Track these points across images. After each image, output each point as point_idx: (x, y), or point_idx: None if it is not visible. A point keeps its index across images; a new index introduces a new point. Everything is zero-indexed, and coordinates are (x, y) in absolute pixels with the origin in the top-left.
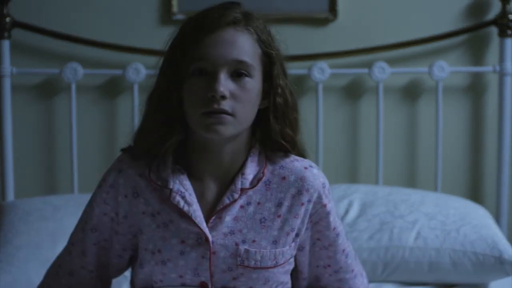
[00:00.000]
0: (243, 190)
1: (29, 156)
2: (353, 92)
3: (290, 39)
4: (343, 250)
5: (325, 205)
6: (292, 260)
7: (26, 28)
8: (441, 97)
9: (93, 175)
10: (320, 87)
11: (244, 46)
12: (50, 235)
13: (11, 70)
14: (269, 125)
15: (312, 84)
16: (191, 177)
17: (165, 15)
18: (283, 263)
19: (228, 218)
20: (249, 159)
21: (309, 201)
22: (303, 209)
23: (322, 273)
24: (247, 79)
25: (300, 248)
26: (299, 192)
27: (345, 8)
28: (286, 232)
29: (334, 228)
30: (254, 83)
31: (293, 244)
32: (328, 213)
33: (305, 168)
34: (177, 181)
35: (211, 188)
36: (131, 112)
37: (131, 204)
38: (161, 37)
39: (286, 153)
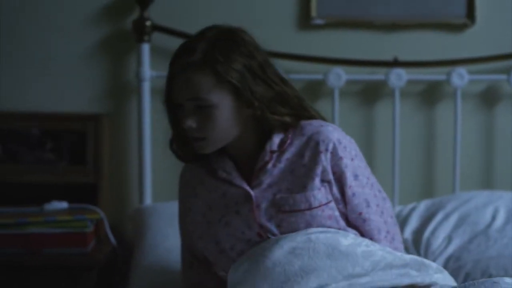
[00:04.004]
0: (272, 152)
1: (166, 158)
2: (490, 98)
3: (427, 45)
4: (360, 213)
5: (341, 158)
6: (332, 205)
7: (166, 31)
8: None
9: None
10: (459, 93)
11: (198, 85)
12: None
13: (150, 74)
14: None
15: (449, 90)
16: (232, 156)
17: (304, 20)
18: (318, 206)
19: (264, 176)
20: (275, 130)
21: (326, 149)
22: (322, 156)
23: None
24: (209, 109)
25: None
26: (316, 143)
27: (483, 14)
28: (311, 178)
29: (350, 186)
30: (219, 110)
31: (322, 188)
32: (345, 167)
33: (321, 125)
34: (220, 161)
35: (246, 162)
36: None
37: (199, 190)
38: (300, 42)
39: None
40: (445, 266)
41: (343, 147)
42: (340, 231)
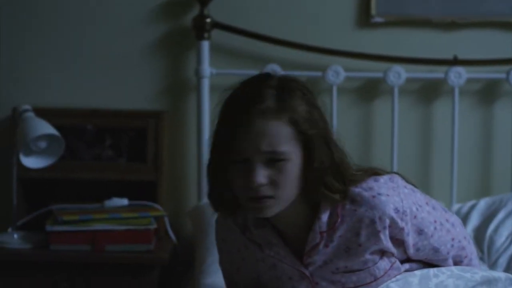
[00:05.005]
0: (322, 233)
1: None
2: None
3: (485, 43)
4: (426, 258)
5: (402, 229)
6: (396, 265)
7: (226, 29)
8: None
9: None
10: None
11: (275, 135)
12: None
13: (210, 71)
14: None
15: (508, 89)
16: (276, 226)
17: (363, 18)
18: (384, 275)
19: (316, 256)
20: (322, 205)
21: (384, 227)
22: (381, 236)
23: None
24: (283, 163)
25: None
26: (372, 222)
27: None
28: (371, 254)
29: (414, 245)
30: (291, 164)
31: (385, 257)
32: (407, 235)
33: (373, 197)
34: (262, 235)
35: (293, 237)
36: (329, 114)
37: (245, 254)
38: (360, 40)
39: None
40: (509, 263)
41: (401, 215)
42: (404, 273)
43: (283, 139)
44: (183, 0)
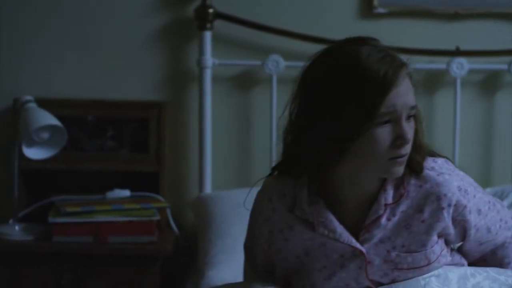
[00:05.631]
0: (386, 205)
1: (226, 147)
2: None
3: (488, 34)
4: (479, 241)
5: (465, 206)
6: (445, 252)
7: (228, 19)
8: None
9: None
10: None
11: (412, 90)
12: None
13: (212, 61)
14: None
15: (510, 80)
16: (329, 202)
17: (366, 9)
18: (435, 260)
19: (376, 231)
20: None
21: (449, 205)
22: (444, 213)
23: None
24: (412, 119)
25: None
26: (438, 198)
27: None
28: (430, 235)
29: (475, 225)
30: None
31: (439, 241)
32: (469, 213)
33: (438, 175)
34: (316, 212)
35: (351, 209)
36: None
37: (288, 235)
38: (362, 31)
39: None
40: None
41: (464, 193)
42: (445, 266)
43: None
44: None
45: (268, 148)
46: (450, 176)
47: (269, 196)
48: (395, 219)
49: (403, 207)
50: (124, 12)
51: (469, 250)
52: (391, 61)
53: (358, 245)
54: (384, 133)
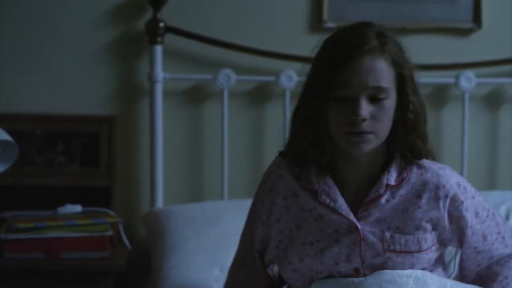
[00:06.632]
0: (387, 186)
1: (177, 161)
2: (495, 101)
3: (435, 49)
4: (475, 248)
5: (462, 202)
6: (434, 248)
7: (179, 33)
8: None
9: (241, 182)
10: (467, 96)
11: (381, 72)
12: (222, 240)
13: (163, 75)
14: (399, 136)
15: (457, 93)
16: (335, 180)
17: (316, 23)
18: (426, 249)
19: (374, 210)
20: (394, 161)
21: (446, 196)
22: (441, 203)
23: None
24: (384, 100)
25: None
26: (436, 187)
27: (489, 19)
28: (425, 221)
29: (471, 226)
30: (390, 103)
31: (433, 232)
32: (466, 210)
33: (439, 168)
34: (322, 182)
35: (353, 189)
36: (282, 118)
37: (291, 203)
38: (311, 45)
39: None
40: None
41: (463, 190)
42: (425, 272)
43: (386, 77)
44: (136, 4)
45: (220, 162)
46: (451, 172)
47: (278, 164)
48: (394, 201)
49: (403, 191)
50: (74, 25)
51: (467, 259)
52: (361, 37)
53: (354, 220)
54: (340, 108)
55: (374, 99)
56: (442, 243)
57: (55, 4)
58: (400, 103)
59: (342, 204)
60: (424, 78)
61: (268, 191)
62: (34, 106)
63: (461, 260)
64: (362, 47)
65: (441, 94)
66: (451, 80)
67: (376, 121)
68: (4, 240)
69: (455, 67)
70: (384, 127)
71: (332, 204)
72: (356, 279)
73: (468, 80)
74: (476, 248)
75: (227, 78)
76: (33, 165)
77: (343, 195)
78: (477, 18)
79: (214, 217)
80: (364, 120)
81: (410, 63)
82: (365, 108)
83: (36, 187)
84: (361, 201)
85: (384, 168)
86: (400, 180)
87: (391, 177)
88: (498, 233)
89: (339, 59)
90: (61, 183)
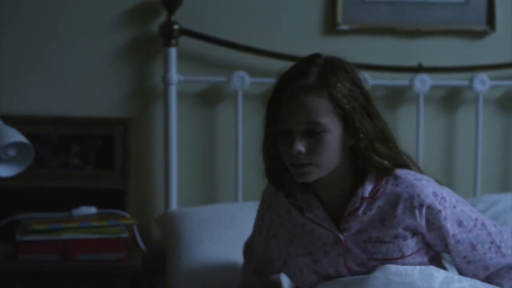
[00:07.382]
0: (363, 199)
1: (191, 163)
2: (508, 103)
3: (448, 51)
4: (464, 257)
5: (439, 211)
6: (422, 252)
7: (193, 35)
8: None
9: (255, 184)
10: (481, 98)
11: (314, 108)
12: (236, 243)
13: (177, 78)
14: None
15: (470, 96)
16: (319, 195)
17: (330, 26)
18: (411, 254)
19: (353, 222)
20: (369, 174)
21: (421, 205)
22: (416, 212)
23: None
24: (322, 134)
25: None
26: (411, 197)
27: (502, 21)
28: (402, 228)
29: (453, 235)
30: (330, 135)
31: (415, 237)
32: (444, 219)
33: (415, 179)
34: (306, 199)
35: (334, 202)
36: None
37: (284, 219)
38: (326, 47)
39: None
40: None
41: (440, 199)
42: (430, 266)
43: (321, 112)
44: (151, 6)
45: (234, 164)
46: (428, 182)
47: (271, 199)
48: (371, 213)
49: (379, 202)
50: (89, 28)
51: (460, 268)
52: (301, 74)
53: (337, 232)
54: (282, 142)
55: (312, 132)
56: (429, 247)
57: (70, 6)
58: (352, 132)
59: (325, 219)
60: (437, 81)
61: (267, 207)
62: (49, 108)
63: (457, 270)
64: (298, 85)
65: (455, 97)
66: (465, 83)
67: (315, 153)
68: (19, 242)
69: (469, 69)
70: (325, 157)
71: (316, 220)
72: (362, 275)
73: (482, 83)
74: (465, 257)
75: (241, 80)
76: (48, 168)
77: (326, 209)
78: (490, 20)
79: (228, 219)
80: (300, 153)
81: (361, 91)
82: (299, 143)
83: (50, 189)
84: (342, 214)
85: (360, 181)
86: (375, 192)
87: (366, 190)
88: (492, 242)
89: (279, 95)
90: (76, 186)
